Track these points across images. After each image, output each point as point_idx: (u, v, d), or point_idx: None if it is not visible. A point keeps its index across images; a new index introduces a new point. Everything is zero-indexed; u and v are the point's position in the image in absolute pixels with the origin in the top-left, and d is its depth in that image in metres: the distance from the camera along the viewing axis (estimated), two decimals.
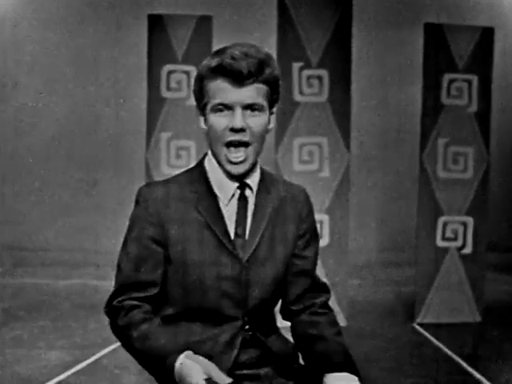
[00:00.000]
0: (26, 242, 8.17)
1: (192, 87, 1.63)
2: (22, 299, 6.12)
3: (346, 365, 1.57)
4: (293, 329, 1.72)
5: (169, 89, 5.09)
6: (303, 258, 1.69)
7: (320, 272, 5.23)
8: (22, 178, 8.28)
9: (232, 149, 1.54)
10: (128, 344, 1.55)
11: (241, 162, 1.54)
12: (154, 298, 1.60)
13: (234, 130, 1.51)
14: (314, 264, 1.74)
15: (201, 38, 5.06)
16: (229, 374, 1.52)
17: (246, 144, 1.53)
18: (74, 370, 3.96)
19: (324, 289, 1.76)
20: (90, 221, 8.22)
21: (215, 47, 5.39)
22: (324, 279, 5.38)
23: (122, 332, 1.56)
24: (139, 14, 6.60)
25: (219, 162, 1.58)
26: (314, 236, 1.73)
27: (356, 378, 1.54)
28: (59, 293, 6.51)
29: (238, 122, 1.50)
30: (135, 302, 1.56)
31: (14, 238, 8.18)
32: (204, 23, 5.13)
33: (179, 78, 5.07)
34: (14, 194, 8.26)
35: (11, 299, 6.09)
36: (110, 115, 8.27)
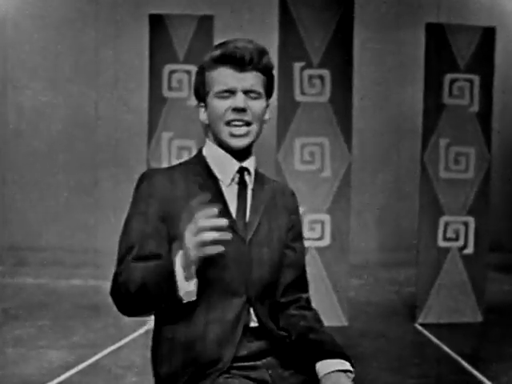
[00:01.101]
0: (26, 242, 8.18)
1: (194, 81, 1.74)
2: (23, 299, 6.12)
3: (338, 352, 1.61)
4: (283, 324, 1.74)
5: (170, 88, 5.09)
6: (293, 250, 1.77)
7: (320, 272, 5.25)
8: (23, 178, 8.28)
9: (234, 126, 1.64)
10: (129, 284, 1.50)
11: (242, 136, 1.64)
12: None
13: (236, 110, 1.62)
14: (303, 257, 1.82)
15: (202, 37, 5.05)
16: (229, 366, 1.58)
17: (247, 123, 1.64)
18: (74, 370, 3.95)
19: (307, 285, 1.83)
20: (90, 220, 8.22)
21: None
22: (325, 279, 5.33)
23: (121, 280, 1.52)
24: (140, 13, 6.59)
25: (220, 141, 1.67)
26: (301, 232, 1.83)
27: (348, 364, 1.58)
28: (60, 293, 6.51)
29: (240, 102, 1.61)
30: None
31: (14, 238, 8.18)
32: (205, 23, 5.13)
33: (180, 78, 5.06)
34: (14, 194, 8.26)
35: (12, 299, 6.10)
36: (110, 115, 8.27)
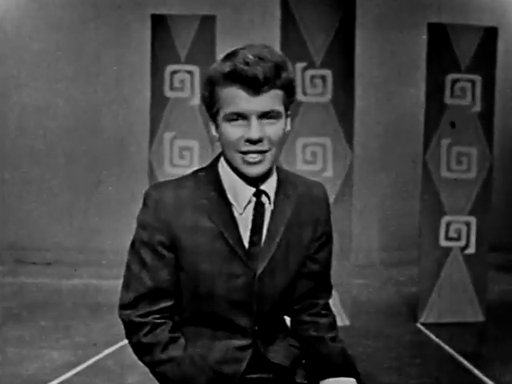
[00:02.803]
0: (28, 242, 8.18)
1: (201, 91, 1.53)
2: (24, 299, 6.13)
3: (345, 367, 1.57)
4: (293, 328, 1.70)
5: (172, 89, 5.09)
6: (314, 261, 1.63)
7: None
8: (23, 178, 8.28)
9: (248, 154, 1.45)
10: (151, 363, 1.53)
11: (258, 162, 1.44)
12: (173, 307, 1.56)
13: (250, 142, 1.42)
14: (326, 266, 1.68)
15: (204, 37, 5.05)
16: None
17: (263, 152, 1.45)
18: (76, 369, 3.96)
19: (328, 289, 1.72)
20: (92, 220, 8.22)
21: (218, 47, 5.40)
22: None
23: (145, 349, 1.52)
24: (142, 13, 6.59)
25: (234, 167, 1.50)
26: (329, 238, 1.67)
27: (354, 380, 1.55)
28: (61, 292, 6.52)
29: (254, 134, 1.40)
30: (159, 320, 1.52)
31: (15, 238, 8.19)
32: (207, 23, 5.13)
33: (182, 78, 5.06)
34: (16, 194, 8.27)
35: (13, 299, 6.10)
36: (113, 115, 8.28)
